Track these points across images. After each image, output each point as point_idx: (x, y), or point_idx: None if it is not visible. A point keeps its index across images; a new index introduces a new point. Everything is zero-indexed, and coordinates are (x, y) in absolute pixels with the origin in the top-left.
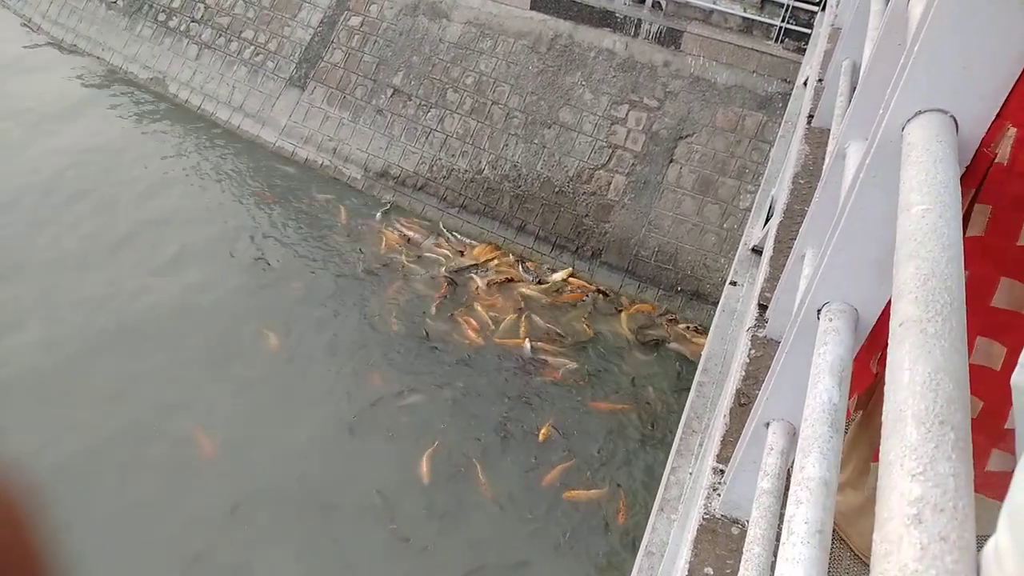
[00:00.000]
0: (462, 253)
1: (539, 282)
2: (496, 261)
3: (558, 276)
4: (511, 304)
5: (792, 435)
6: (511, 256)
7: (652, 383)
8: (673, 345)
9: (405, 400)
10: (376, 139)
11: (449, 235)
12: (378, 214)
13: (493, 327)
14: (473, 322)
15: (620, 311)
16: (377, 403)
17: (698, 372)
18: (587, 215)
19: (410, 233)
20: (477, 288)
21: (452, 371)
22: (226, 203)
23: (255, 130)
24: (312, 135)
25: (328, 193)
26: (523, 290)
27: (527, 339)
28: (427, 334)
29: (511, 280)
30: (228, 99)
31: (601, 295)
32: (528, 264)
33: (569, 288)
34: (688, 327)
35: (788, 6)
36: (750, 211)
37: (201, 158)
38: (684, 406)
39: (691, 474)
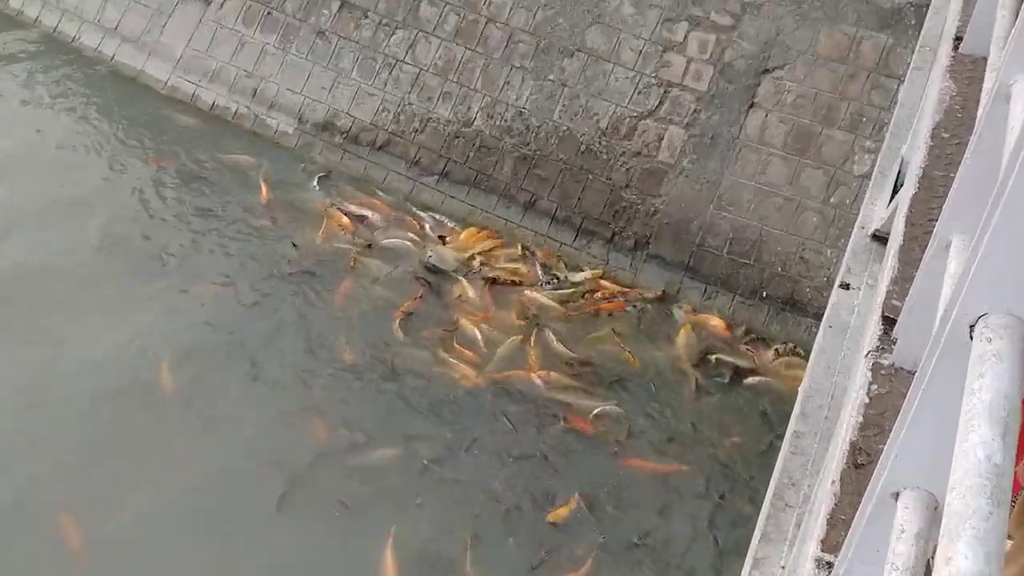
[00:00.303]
0: (444, 241)
1: (556, 284)
2: (493, 253)
3: (582, 276)
4: (515, 317)
5: (933, 510)
6: (518, 247)
7: (724, 434)
8: (756, 378)
9: (361, 459)
10: (316, 75)
11: (424, 216)
12: (316, 184)
13: (491, 351)
14: (459, 346)
15: (677, 328)
16: (319, 463)
17: (793, 418)
18: (627, 186)
19: (366, 213)
20: (463, 294)
21: (430, 418)
22: (93, 169)
23: (138, 63)
24: (221, 70)
25: (246, 154)
26: (533, 296)
27: (539, 370)
28: (393, 365)
29: (515, 282)
30: (97, 17)
31: (649, 305)
32: (540, 254)
33: (601, 294)
34: (778, 351)
35: None
36: (868, 179)
37: (56, 103)
38: (773, 468)
39: (783, 568)
